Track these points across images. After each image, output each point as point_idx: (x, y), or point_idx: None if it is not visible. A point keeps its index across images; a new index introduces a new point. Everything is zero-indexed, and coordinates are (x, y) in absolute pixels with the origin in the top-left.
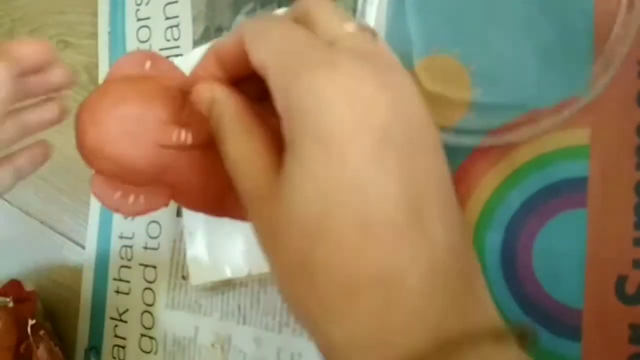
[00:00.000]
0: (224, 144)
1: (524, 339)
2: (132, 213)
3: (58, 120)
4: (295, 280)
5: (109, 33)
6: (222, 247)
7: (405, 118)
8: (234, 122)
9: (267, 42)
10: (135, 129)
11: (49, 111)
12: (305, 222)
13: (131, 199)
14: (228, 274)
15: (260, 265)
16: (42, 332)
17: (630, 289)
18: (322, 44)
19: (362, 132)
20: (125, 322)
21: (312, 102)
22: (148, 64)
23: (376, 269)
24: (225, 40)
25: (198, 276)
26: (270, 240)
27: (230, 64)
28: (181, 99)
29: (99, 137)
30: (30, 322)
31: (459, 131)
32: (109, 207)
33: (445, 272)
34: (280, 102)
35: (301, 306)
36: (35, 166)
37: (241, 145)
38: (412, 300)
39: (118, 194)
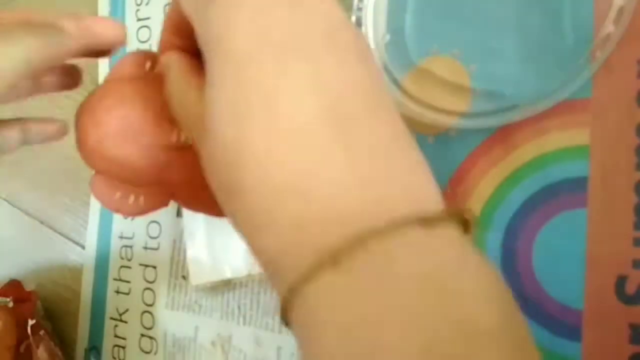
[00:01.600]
0: (167, 87)
1: (464, 223)
2: (132, 213)
3: (58, 137)
4: (228, 200)
5: None
6: (222, 248)
7: (313, 27)
8: (176, 70)
9: None
10: (136, 130)
11: (50, 125)
12: (224, 146)
13: (131, 199)
14: (228, 274)
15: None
16: (42, 332)
17: (630, 289)
18: None
19: (265, 46)
20: (125, 322)
21: (220, 25)
22: (148, 65)
23: (292, 175)
24: (170, 7)
25: (198, 276)
26: (205, 166)
27: (184, 29)
28: None
29: (100, 138)
30: (30, 322)
31: (459, 131)
32: (109, 208)
33: (368, 166)
34: (199, 36)
35: (235, 221)
36: (45, 138)
37: (178, 84)
38: (327, 197)
39: (118, 195)
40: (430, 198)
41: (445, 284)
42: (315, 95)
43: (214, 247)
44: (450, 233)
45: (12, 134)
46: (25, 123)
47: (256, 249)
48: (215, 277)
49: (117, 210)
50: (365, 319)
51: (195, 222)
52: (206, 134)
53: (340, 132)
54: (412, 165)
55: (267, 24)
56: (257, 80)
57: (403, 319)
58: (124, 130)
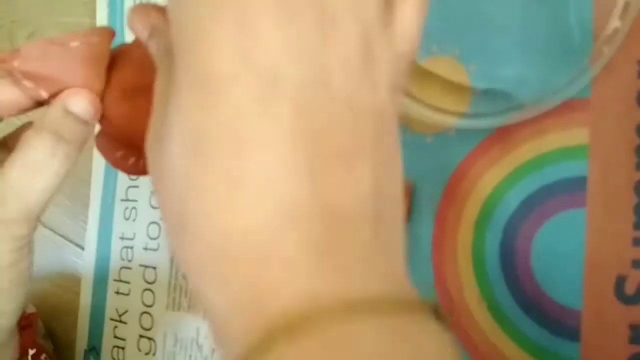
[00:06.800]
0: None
1: (436, 314)
2: (132, 173)
3: None
4: (177, 243)
5: None
6: None
7: (304, 64)
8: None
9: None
10: (148, 101)
11: None
12: (177, 178)
13: (131, 160)
14: None
15: None
16: (43, 357)
17: (629, 289)
18: None
19: (247, 72)
20: (125, 323)
21: (195, 38)
22: None
23: (248, 227)
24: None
25: None
26: (156, 194)
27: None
28: None
29: (116, 107)
30: (31, 351)
31: (458, 130)
32: (110, 163)
33: (328, 235)
34: (173, 35)
35: (185, 267)
36: None
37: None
38: (285, 258)
39: (119, 154)
40: (399, 279)
41: None
42: (289, 143)
43: None
44: (419, 318)
45: None
46: None
47: (207, 300)
48: None
49: (117, 168)
50: None
51: None
52: (159, 164)
53: (307, 181)
54: (391, 246)
55: (250, 42)
56: (229, 112)
57: None
58: (136, 100)
